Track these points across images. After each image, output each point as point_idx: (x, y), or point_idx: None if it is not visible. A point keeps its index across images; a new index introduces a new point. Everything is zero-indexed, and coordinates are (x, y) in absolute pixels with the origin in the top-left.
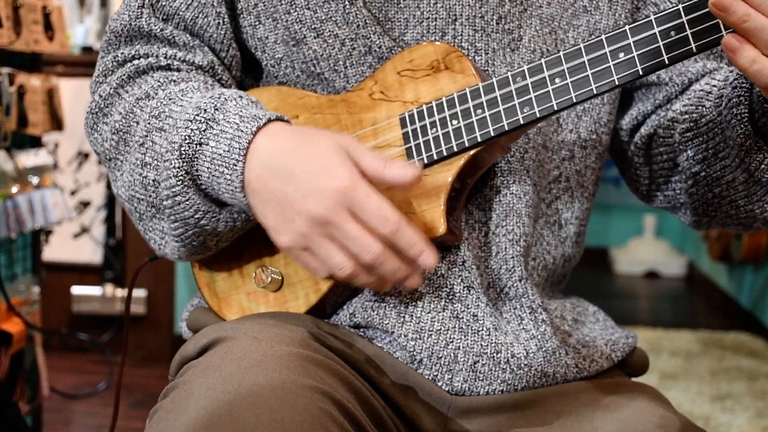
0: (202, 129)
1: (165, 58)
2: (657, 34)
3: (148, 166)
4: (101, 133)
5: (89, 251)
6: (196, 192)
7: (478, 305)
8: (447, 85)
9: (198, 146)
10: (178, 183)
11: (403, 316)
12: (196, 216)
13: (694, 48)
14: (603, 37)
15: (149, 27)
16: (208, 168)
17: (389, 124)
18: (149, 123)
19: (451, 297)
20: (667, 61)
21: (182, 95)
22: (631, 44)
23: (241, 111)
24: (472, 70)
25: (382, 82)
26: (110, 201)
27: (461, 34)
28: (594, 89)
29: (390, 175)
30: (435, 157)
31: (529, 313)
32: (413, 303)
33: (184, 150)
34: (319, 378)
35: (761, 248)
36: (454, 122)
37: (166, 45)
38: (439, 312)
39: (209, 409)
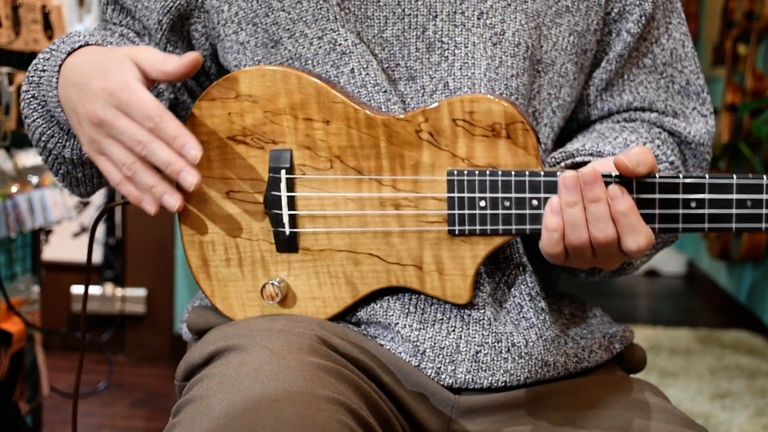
0: (46, 58)
1: (119, 36)
2: (734, 200)
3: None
4: None
5: None
6: (43, 115)
7: (479, 294)
8: (504, 156)
9: (42, 72)
10: (25, 106)
11: (408, 308)
12: (42, 139)
13: (763, 227)
14: (681, 180)
15: (112, 20)
16: (46, 90)
17: (434, 181)
18: None
19: None
20: (733, 230)
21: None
22: (706, 199)
23: (75, 38)
24: (535, 150)
25: (433, 122)
26: (110, 200)
27: (441, 30)
28: (657, 228)
29: (168, 68)
30: (477, 233)
31: (529, 300)
32: (416, 295)
33: (30, 76)
34: (334, 387)
35: (761, 246)
36: (506, 204)
37: (125, 28)
38: (441, 303)
39: (231, 428)
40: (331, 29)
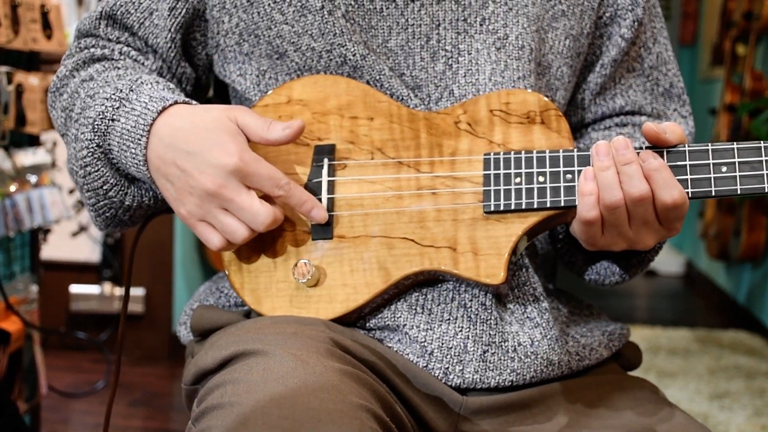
0: (116, 107)
1: (119, 53)
2: (764, 161)
3: (79, 141)
4: (56, 110)
5: (87, 250)
6: (107, 165)
7: (486, 293)
8: (539, 140)
9: (111, 122)
10: (89, 154)
11: (415, 308)
12: (104, 187)
13: None
14: (710, 147)
15: (106, 36)
16: (118, 142)
17: (470, 160)
18: (84, 101)
19: (458, 288)
20: (766, 190)
21: (117, 79)
22: (736, 163)
23: (152, 92)
24: (568, 133)
25: (471, 114)
26: None
27: (444, 38)
28: (690, 193)
29: (273, 137)
30: (512, 207)
31: (533, 300)
32: (423, 296)
33: (97, 124)
34: (358, 393)
35: (759, 246)
36: (541, 179)
37: (124, 45)
38: (448, 303)
39: None
40: (339, 44)
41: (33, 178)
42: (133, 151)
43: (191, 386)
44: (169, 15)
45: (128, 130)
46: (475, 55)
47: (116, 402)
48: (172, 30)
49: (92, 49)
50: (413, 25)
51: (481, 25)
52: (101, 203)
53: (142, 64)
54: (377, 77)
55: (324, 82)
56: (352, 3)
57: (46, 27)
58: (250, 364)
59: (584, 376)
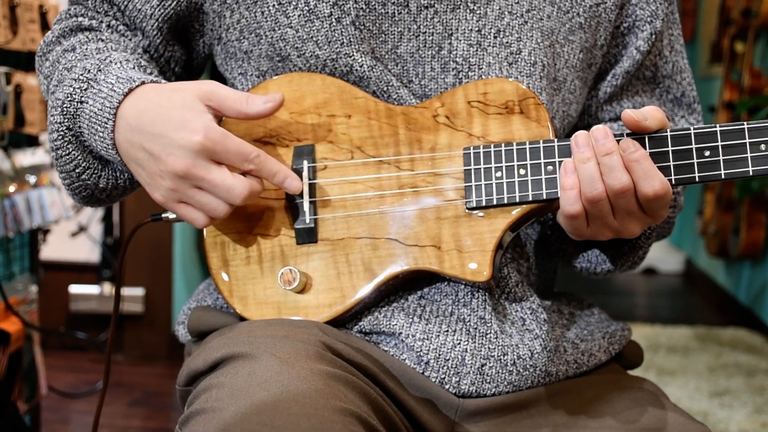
0: (84, 88)
1: (107, 27)
2: (747, 144)
3: (51, 124)
4: (41, 75)
5: (87, 250)
6: (78, 147)
7: (485, 308)
8: (518, 130)
9: (79, 104)
10: (59, 137)
11: (412, 317)
12: (76, 170)
13: None
14: (692, 131)
15: (95, 7)
16: (87, 125)
17: (450, 155)
18: (61, 74)
19: (456, 302)
20: (751, 173)
21: (92, 56)
22: (719, 146)
23: (120, 73)
24: (548, 122)
25: (449, 107)
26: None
27: (456, 49)
28: (674, 180)
29: (253, 111)
30: (494, 203)
31: (530, 313)
32: (421, 307)
33: (66, 107)
34: (344, 396)
35: (759, 244)
36: (522, 172)
37: (112, 19)
38: (447, 317)
39: None
40: (346, 53)
41: (32, 179)
42: (101, 134)
43: (184, 387)
44: (159, 5)
45: (95, 113)
46: (486, 69)
47: (116, 402)
48: (160, 20)
49: (80, 18)
50: (425, 32)
51: (495, 37)
52: (75, 185)
53: (130, 39)
54: (384, 88)
55: (299, 80)
56: (363, 7)
57: (45, 27)
58: (237, 368)
59: (583, 377)
